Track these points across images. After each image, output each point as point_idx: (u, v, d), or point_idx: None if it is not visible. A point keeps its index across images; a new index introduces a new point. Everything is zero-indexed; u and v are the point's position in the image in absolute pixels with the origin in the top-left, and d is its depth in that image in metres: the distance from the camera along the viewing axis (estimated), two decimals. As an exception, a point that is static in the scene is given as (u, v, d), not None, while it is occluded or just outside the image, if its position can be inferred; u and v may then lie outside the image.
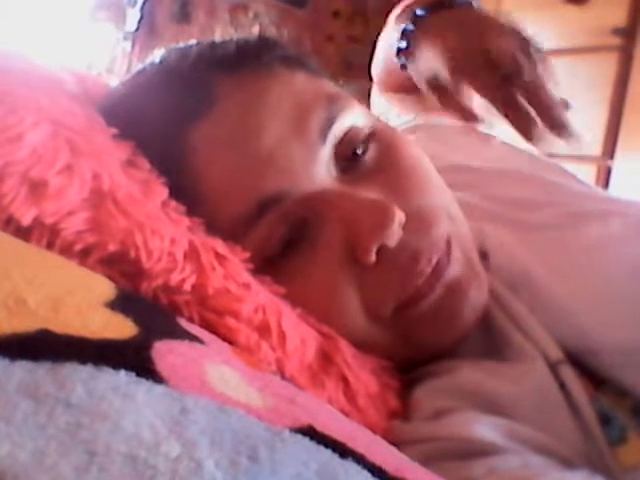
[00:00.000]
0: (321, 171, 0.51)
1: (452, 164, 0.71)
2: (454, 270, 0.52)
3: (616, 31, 2.04)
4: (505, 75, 0.64)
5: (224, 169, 0.50)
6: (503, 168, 0.72)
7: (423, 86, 0.71)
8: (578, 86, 2.13)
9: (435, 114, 0.86)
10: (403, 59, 0.76)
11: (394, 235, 0.50)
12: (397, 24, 0.76)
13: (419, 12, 0.73)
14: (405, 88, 0.92)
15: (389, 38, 0.81)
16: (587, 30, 2.13)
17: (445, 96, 0.67)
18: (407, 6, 0.76)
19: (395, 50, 0.77)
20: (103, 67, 2.73)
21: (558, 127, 0.63)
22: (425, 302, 0.52)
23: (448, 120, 0.86)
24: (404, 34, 0.74)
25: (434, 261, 0.51)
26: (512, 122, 0.64)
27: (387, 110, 0.93)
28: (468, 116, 0.67)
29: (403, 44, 0.75)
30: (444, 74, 0.66)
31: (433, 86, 0.69)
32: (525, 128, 0.63)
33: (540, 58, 0.66)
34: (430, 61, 0.69)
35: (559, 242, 0.59)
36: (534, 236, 0.61)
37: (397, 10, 0.78)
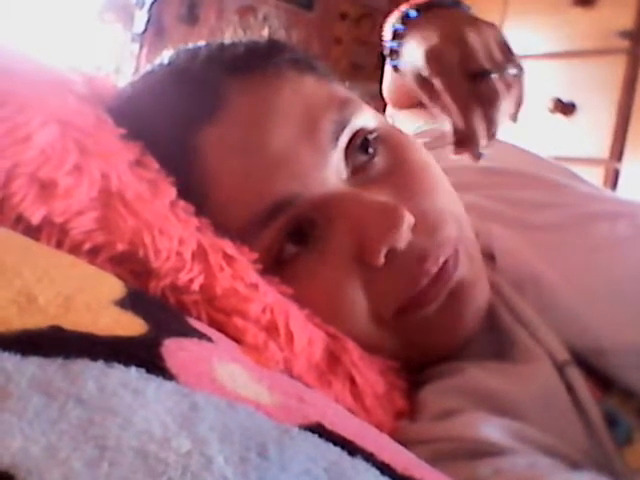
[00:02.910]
0: (331, 174, 0.52)
1: (454, 165, 0.71)
2: (460, 274, 0.52)
3: (624, 34, 2.03)
4: (476, 73, 0.63)
5: (234, 172, 0.50)
6: (506, 168, 0.72)
7: (411, 84, 0.71)
8: (586, 89, 2.12)
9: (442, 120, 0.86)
10: (394, 59, 0.76)
11: (403, 238, 0.50)
12: (390, 27, 0.76)
13: (409, 13, 0.73)
14: (416, 102, 0.92)
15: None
16: (594, 33, 2.12)
17: (432, 92, 0.67)
18: (400, 10, 0.76)
19: (388, 52, 0.77)
20: (111, 68, 2.74)
21: (475, 144, 0.63)
22: (430, 307, 0.52)
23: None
24: (395, 34, 0.75)
25: (441, 261, 0.51)
26: (457, 130, 0.64)
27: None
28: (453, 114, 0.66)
29: (394, 44, 0.75)
30: (423, 71, 0.66)
31: (419, 82, 0.69)
32: (467, 140, 0.63)
33: (516, 60, 0.66)
34: (413, 57, 0.69)
35: (566, 243, 0.59)
36: (540, 237, 0.61)
37: (391, 18, 0.78)
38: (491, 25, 0.68)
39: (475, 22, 0.68)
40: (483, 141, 0.63)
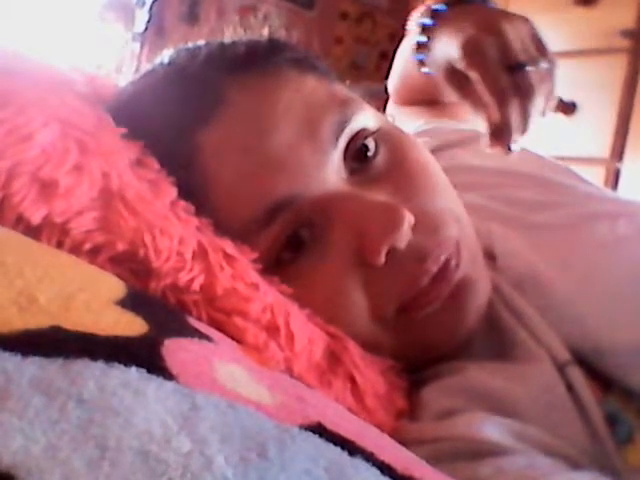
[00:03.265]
0: (332, 174, 0.51)
1: (455, 165, 0.71)
2: (461, 273, 0.52)
3: (625, 33, 2.03)
4: (512, 65, 0.63)
5: (235, 172, 0.50)
6: (506, 168, 0.72)
7: (440, 77, 0.71)
8: (587, 88, 2.12)
9: (445, 120, 0.86)
10: (421, 54, 0.76)
11: (404, 237, 0.50)
12: (416, 21, 0.76)
13: (437, 7, 0.73)
14: (422, 100, 0.92)
15: (406, 49, 0.81)
16: (596, 32, 2.12)
17: (463, 86, 0.66)
18: (426, 5, 0.76)
19: (415, 46, 0.76)
20: (112, 68, 2.74)
21: (509, 137, 0.62)
22: (432, 307, 0.52)
23: (453, 123, 0.87)
24: (423, 29, 0.74)
25: (442, 259, 0.51)
26: (493, 122, 0.63)
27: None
28: (483, 108, 0.66)
29: (423, 38, 0.75)
30: (459, 63, 0.66)
31: (450, 76, 0.69)
32: (503, 133, 0.63)
33: (549, 54, 0.66)
34: (446, 51, 0.69)
35: (566, 243, 0.59)
36: (541, 236, 0.61)
37: (416, 13, 0.78)
38: (524, 19, 0.68)
39: (508, 15, 0.67)
40: (517, 135, 0.63)
